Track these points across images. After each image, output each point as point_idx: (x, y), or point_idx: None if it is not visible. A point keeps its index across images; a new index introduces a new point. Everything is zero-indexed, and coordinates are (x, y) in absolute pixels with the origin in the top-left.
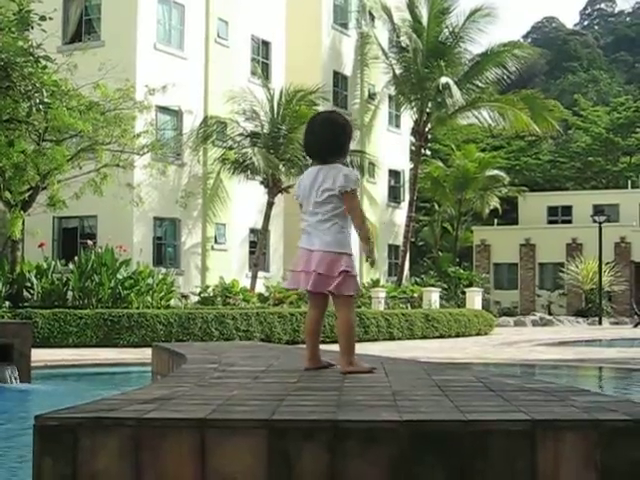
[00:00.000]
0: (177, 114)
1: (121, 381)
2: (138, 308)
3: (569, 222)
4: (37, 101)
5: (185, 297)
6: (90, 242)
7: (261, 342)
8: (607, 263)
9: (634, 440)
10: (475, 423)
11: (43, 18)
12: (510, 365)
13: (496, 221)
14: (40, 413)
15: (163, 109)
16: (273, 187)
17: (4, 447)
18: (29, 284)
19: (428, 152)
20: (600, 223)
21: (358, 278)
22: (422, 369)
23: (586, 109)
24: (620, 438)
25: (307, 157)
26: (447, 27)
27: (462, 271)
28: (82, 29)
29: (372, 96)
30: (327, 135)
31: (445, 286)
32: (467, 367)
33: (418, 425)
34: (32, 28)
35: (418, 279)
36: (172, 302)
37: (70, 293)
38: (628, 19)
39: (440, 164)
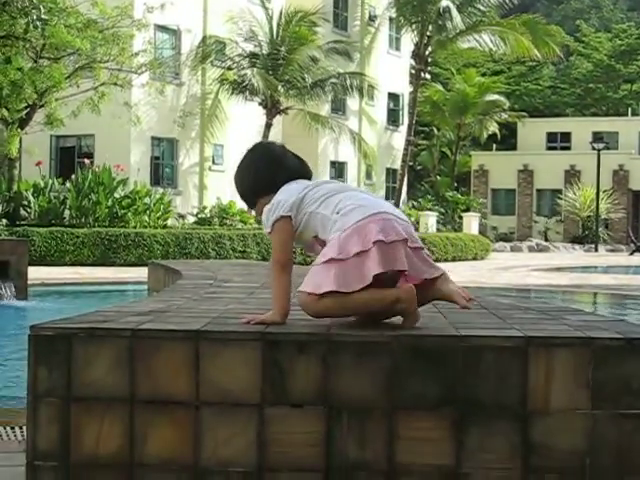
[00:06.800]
0: (176, 33)
1: (118, 299)
2: (135, 227)
3: (568, 149)
4: (34, 17)
5: (182, 217)
6: (87, 161)
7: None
8: (605, 191)
9: (625, 358)
10: (468, 339)
11: None
12: (506, 289)
13: (495, 146)
14: (36, 323)
15: (161, 28)
16: (272, 108)
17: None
18: (26, 202)
19: (428, 76)
20: (599, 150)
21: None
22: None
23: (588, 35)
24: (611, 356)
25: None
26: None
27: (460, 196)
28: None
29: (372, 18)
30: None
31: (442, 210)
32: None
33: (411, 339)
34: None
35: (415, 203)
36: (169, 222)
37: (67, 212)
38: None
39: (440, 88)
